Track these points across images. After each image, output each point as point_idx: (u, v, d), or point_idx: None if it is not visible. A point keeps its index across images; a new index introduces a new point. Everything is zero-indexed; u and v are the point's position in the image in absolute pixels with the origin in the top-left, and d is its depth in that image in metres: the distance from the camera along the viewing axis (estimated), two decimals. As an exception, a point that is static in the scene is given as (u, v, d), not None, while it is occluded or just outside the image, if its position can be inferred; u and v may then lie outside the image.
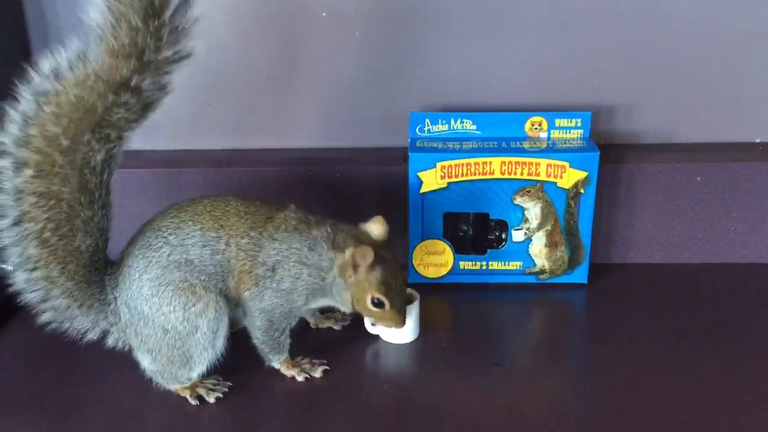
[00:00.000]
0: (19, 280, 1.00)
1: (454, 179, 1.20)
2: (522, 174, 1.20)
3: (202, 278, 1.01)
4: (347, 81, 1.28)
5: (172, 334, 1.01)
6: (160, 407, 1.03)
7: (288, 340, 1.07)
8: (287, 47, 1.26)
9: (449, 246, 1.25)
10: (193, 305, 1.00)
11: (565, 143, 1.22)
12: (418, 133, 1.23)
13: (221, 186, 1.27)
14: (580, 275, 1.27)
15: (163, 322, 1.00)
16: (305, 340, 1.14)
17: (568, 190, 1.21)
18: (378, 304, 1.04)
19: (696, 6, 1.22)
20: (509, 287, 1.27)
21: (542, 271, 1.26)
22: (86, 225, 1.01)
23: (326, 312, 1.16)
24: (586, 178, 1.20)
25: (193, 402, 1.03)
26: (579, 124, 1.23)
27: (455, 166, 1.20)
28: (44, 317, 1.03)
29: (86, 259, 1.02)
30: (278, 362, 1.07)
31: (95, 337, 1.06)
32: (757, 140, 1.32)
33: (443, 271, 1.27)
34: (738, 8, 1.23)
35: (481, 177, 1.20)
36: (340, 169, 1.28)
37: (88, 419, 1.01)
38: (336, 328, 1.16)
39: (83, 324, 1.05)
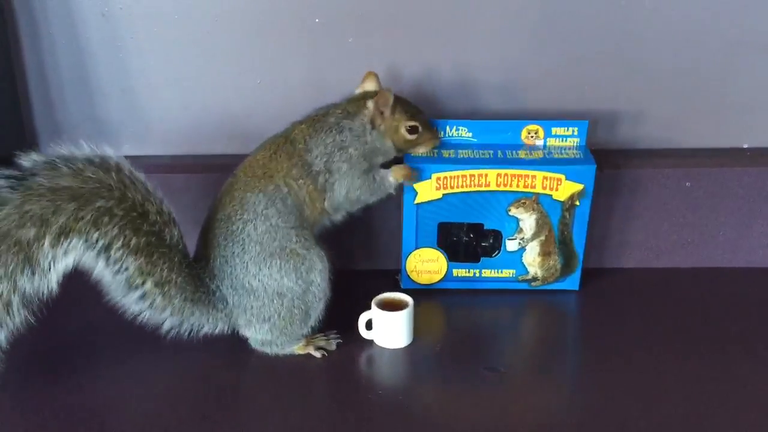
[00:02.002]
0: (132, 301, 1.05)
1: (449, 190, 1.20)
2: (518, 186, 1.19)
3: (294, 237, 1.09)
4: (340, 88, 1.28)
5: (289, 297, 1.10)
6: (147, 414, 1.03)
7: (380, 171, 1.17)
8: (279, 51, 1.27)
9: (443, 254, 1.26)
10: (302, 264, 1.09)
11: (561, 152, 1.21)
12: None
13: (215, 191, 1.27)
14: (572, 282, 1.27)
15: (277, 287, 1.09)
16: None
17: (563, 202, 1.21)
18: (412, 129, 1.16)
19: (686, 15, 1.24)
20: (502, 292, 1.27)
21: (535, 279, 1.27)
22: (161, 215, 1.05)
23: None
24: (582, 190, 1.20)
25: (318, 355, 1.12)
26: (576, 133, 1.23)
27: (451, 177, 1.19)
28: (166, 325, 1.08)
29: (182, 250, 1.08)
30: (392, 184, 1.17)
31: (210, 330, 1.11)
32: (745, 146, 1.33)
33: (436, 278, 1.27)
34: (727, 17, 1.24)
35: (476, 189, 1.20)
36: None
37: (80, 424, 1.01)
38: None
39: (199, 319, 1.10)
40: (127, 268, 1.03)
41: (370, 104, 1.14)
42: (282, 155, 1.12)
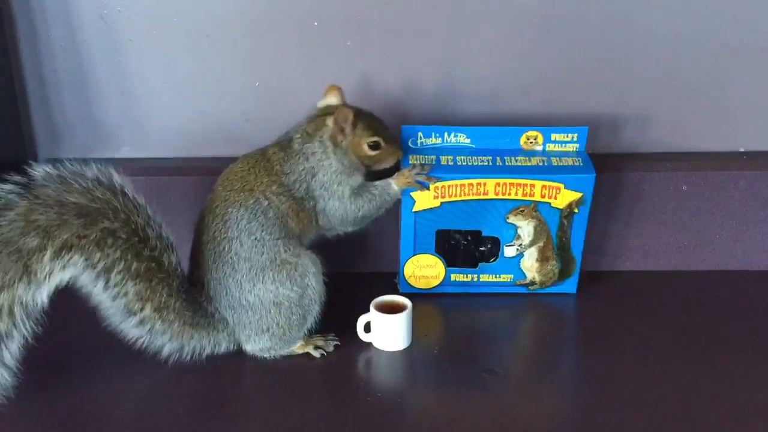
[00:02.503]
0: (131, 326, 1.05)
1: (447, 199, 1.20)
2: (516, 195, 1.19)
3: (282, 247, 1.09)
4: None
5: (286, 305, 1.10)
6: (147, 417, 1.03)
7: (367, 185, 1.16)
8: (278, 54, 1.27)
9: (441, 260, 1.26)
10: (295, 270, 1.10)
11: (560, 159, 1.21)
12: (410, 146, 1.22)
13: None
14: (569, 286, 1.28)
15: (273, 298, 1.10)
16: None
17: (562, 209, 1.21)
18: (374, 146, 1.13)
19: (684, 19, 1.24)
20: (500, 295, 1.28)
21: (532, 283, 1.27)
22: (161, 240, 1.05)
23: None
24: (580, 198, 1.20)
25: (317, 354, 1.13)
26: (575, 139, 1.22)
27: (449, 186, 1.18)
28: (165, 350, 1.08)
29: (180, 275, 1.08)
30: (395, 190, 1.17)
31: (213, 351, 1.11)
32: (741, 149, 1.34)
33: (434, 283, 1.28)
34: (724, 21, 1.24)
35: (475, 197, 1.19)
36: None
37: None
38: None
39: (199, 342, 1.10)
40: (126, 293, 1.03)
41: (329, 122, 1.12)
42: (260, 170, 1.12)
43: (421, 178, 1.16)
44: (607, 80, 1.28)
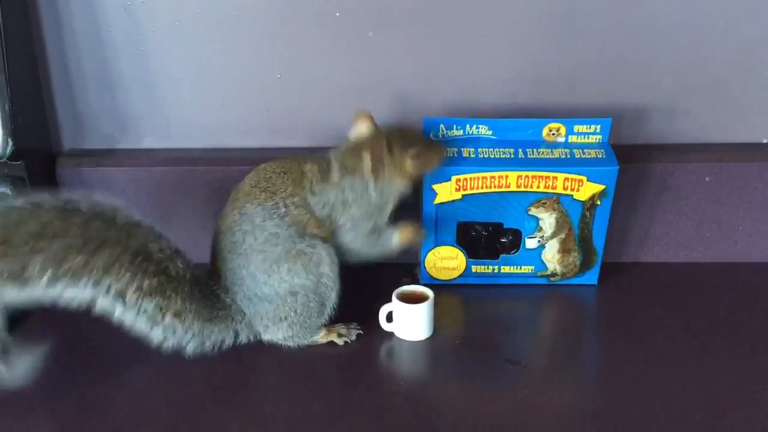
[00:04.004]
0: (158, 335, 1.06)
1: (468, 191, 1.19)
2: (538, 187, 1.19)
3: (297, 239, 1.09)
4: (359, 83, 1.29)
5: (302, 293, 1.11)
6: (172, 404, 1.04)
7: (387, 229, 1.16)
8: (300, 46, 1.27)
9: (462, 252, 1.26)
10: (311, 260, 1.10)
11: (583, 150, 1.20)
12: (432, 138, 1.22)
13: (234, 185, 1.28)
14: (591, 277, 1.28)
15: (289, 288, 1.10)
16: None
17: (584, 202, 1.20)
18: (417, 156, 1.12)
19: (705, 8, 1.23)
20: (521, 286, 1.28)
21: (554, 274, 1.27)
22: (163, 252, 1.06)
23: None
24: (603, 191, 1.19)
25: (340, 342, 1.14)
26: (598, 130, 1.21)
27: (470, 179, 1.18)
28: (188, 348, 1.09)
29: (190, 278, 1.09)
30: (395, 244, 1.17)
31: (233, 342, 1.12)
32: (765, 141, 1.33)
33: (455, 275, 1.28)
34: (746, 11, 1.23)
35: (496, 190, 1.19)
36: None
37: (106, 416, 1.01)
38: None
39: (219, 335, 1.11)
40: (146, 310, 1.04)
41: (367, 158, 1.11)
42: (289, 179, 1.11)
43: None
44: (631, 71, 1.27)
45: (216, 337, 1.11)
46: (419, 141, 1.15)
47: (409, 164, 1.13)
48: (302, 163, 1.13)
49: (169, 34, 1.26)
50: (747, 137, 1.32)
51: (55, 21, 1.26)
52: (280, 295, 1.10)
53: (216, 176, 1.29)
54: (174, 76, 1.29)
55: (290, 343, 1.14)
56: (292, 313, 1.11)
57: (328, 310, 1.14)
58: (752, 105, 1.30)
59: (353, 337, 1.15)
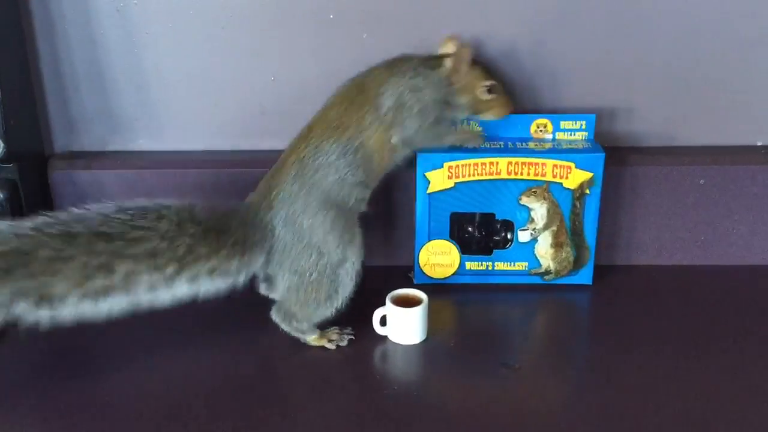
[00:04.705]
0: (208, 290, 1.06)
1: (461, 179, 1.21)
2: (528, 174, 1.21)
3: (354, 198, 1.12)
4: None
5: (325, 260, 1.11)
6: (165, 407, 1.03)
7: (448, 123, 1.19)
8: (293, 47, 1.27)
9: (455, 246, 1.26)
10: (348, 232, 1.12)
11: (570, 145, 1.23)
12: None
13: (228, 187, 1.27)
14: (585, 276, 1.28)
15: (321, 242, 1.10)
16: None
17: (573, 190, 1.22)
18: (490, 89, 1.17)
19: (699, 9, 1.24)
20: (515, 288, 1.28)
21: (547, 272, 1.27)
22: (172, 223, 1.04)
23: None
24: (591, 179, 1.21)
25: (332, 347, 1.13)
26: (584, 126, 1.24)
27: (462, 166, 1.20)
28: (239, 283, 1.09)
29: (213, 225, 1.06)
30: (454, 140, 1.20)
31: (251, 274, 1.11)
32: (759, 143, 1.33)
33: (449, 272, 1.28)
34: (740, 12, 1.24)
35: (488, 177, 1.21)
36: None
37: (97, 420, 1.01)
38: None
39: (257, 261, 1.10)
40: (202, 272, 1.05)
41: (448, 62, 1.15)
42: (354, 107, 1.12)
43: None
44: (624, 72, 1.28)
45: (254, 264, 1.10)
46: (500, 83, 1.18)
47: (480, 90, 1.17)
48: (362, 79, 1.15)
49: (163, 36, 1.26)
50: (741, 140, 1.32)
51: (47, 22, 1.25)
52: (311, 243, 1.10)
53: (210, 179, 1.29)
54: (167, 77, 1.29)
55: (285, 327, 1.13)
56: (307, 274, 1.10)
57: (338, 304, 1.13)
58: (746, 107, 1.30)
59: (344, 342, 1.14)
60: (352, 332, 1.16)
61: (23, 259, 0.96)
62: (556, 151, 1.21)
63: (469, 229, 1.28)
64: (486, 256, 1.27)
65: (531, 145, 1.23)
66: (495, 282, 1.28)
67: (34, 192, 1.28)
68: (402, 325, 1.14)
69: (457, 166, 1.21)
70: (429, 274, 1.28)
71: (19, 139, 1.24)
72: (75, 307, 0.98)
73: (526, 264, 1.27)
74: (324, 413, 1.01)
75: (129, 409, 1.02)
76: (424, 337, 1.16)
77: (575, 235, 1.25)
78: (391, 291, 1.17)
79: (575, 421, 0.99)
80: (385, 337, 1.16)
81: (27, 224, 0.98)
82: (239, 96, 1.30)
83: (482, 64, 1.19)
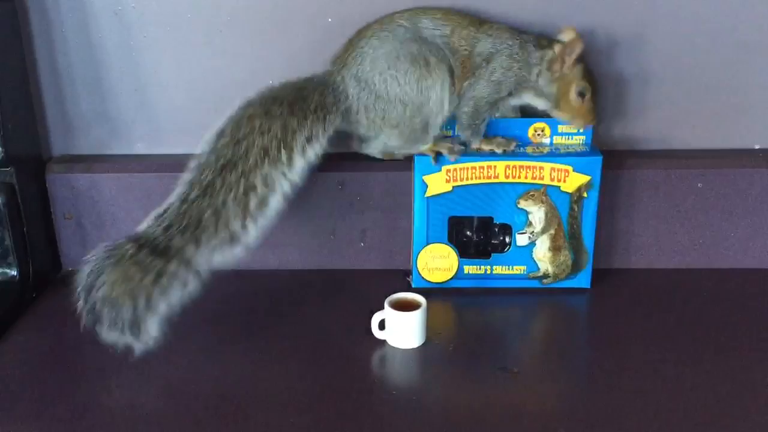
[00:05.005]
0: (312, 156, 1.15)
1: (459, 183, 1.21)
2: (526, 177, 1.21)
3: (434, 52, 1.14)
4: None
5: (410, 107, 1.16)
6: (163, 410, 1.03)
7: (485, 128, 1.20)
8: (291, 51, 1.27)
9: (454, 250, 1.26)
10: (425, 79, 1.14)
11: (567, 148, 1.23)
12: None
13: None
14: (583, 280, 1.28)
15: (400, 95, 1.15)
16: (306, 344, 1.15)
17: (571, 194, 1.22)
18: (581, 93, 1.16)
19: (696, 13, 1.24)
20: (513, 292, 1.28)
21: (546, 276, 1.27)
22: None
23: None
24: (589, 182, 1.21)
25: (446, 152, 1.19)
26: (581, 131, 1.24)
27: (460, 169, 1.21)
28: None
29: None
30: (477, 143, 1.21)
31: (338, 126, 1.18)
32: (757, 146, 1.33)
33: (448, 276, 1.28)
34: (738, 16, 1.24)
35: (486, 180, 1.21)
36: (345, 174, 1.29)
37: (95, 424, 1.01)
38: (498, 151, 1.20)
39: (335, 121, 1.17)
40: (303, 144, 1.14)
41: (558, 47, 1.15)
42: (467, 19, 1.16)
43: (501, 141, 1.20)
44: (620, 75, 1.27)
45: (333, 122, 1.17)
46: (596, 94, 1.18)
47: (572, 91, 1.16)
48: (482, 23, 1.18)
49: (160, 39, 1.26)
50: (739, 143, 1.32)
51: (45, 26, 1.25)
52: (390, 98, 1.15)
53: (207, 182, 1.28)
54: (165, 81, 1.29)
55: (393, 154, 1.22)
56: (402, 124, 1.17)
57: (434, 132, 1.19)
58: (744, 111, 1.30)
59: (453, 157, 1.19)
60: (462, 145, 1.21)
61: (202, 222, 1.09)
62: (554, 154, 1.21)
63: (468, 232, 1.28)
64: (484, 260, 1.27)
65: (529, 149, 1.23)
66: (493, 286, 1.28)
67: (31, 195, 1.28)
68: (401, 329, 1.14)
69: (455, 169, 1.21)
70: (427, 278, 1.28)
71: (16, 143, 1.24)
72: (253, 230, 1.12)
73: (525, 267, 1.27)
74: (322, 418, 1.01)
75: (125, 416, 1.02)
76: (422, 341, 1.16)
77: (573, 238, 1.25)
78: (389, 295, 1.17)
79: (574, 424, 0.99)
80: (383, 342, 1.16)
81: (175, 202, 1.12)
82: (237, 99, 1.29)
83: (588, 69, 1.18)
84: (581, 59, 1.16)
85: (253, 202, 1.11)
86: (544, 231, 1.24)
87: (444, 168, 1.20)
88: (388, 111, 1.16)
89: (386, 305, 1.15)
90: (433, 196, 1.22)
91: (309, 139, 1.14)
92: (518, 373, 1.09)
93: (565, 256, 1.26)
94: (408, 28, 1.15)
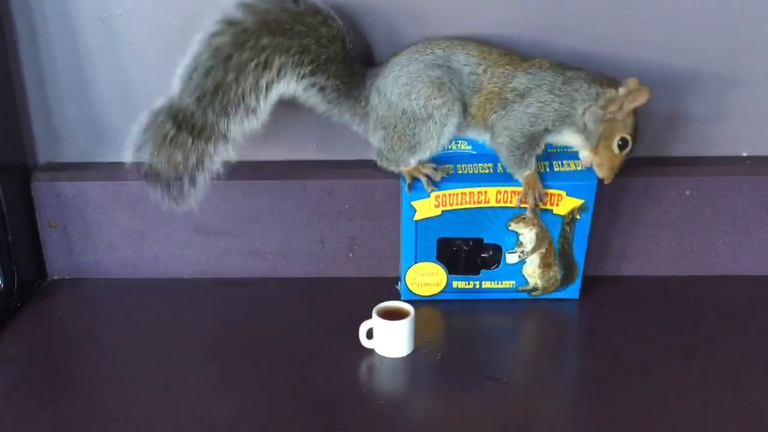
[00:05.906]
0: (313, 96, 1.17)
1: (448, 207, 1.20)
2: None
3: (455, 82, 1.15)
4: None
5: (408, 115, 1.16)
6: (148, 420, 1.02)
7: (533, 160, 1.17)
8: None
9: (442, 267, 1.25)
10: (434, 99, 1.14)
11: (561, 164, 1.21)
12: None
13: (214, 198, 1.26)
14: (572, 291, 1.27)
15: (405, 106, 1.16)
16: (295, 351, 1.14)
17: (564, 216, 1.21)
18: (622, 145, 1.13)
19: (685, 21, 1.24)
20: (502, 301, 1.27)
21: (535, 289, 1.27)
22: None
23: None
24: (582, 205, 1.20)
25: (424, 180, 1.18)
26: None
27: (450, 195, 1.19)
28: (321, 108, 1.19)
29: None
30: (522, 177, 1.17)
31: (354, 126, 1.21)
32: (744, 154, 1.34)
33: (436, 290, 1.27)
34: (727, 24, 1.24)
35: (476, 205, 1.19)
36: (333, 182, 1.28)
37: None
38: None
39: (346, 111, 1.19)
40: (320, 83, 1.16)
41: (622, 90, 1.11)
42: (508, 58, 1.16)
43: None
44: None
45: (343, 110, 1.19)
46: (634, 147, 1.15)
47: (615, 138, 1.13)
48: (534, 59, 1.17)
49: (147, 47, 1.25)
50: (727, 151, 1.33)
51: (31, 32, 1.24)
52: (396, 106, 1.16)
53: (195, 190, 1.27)
54: (152, 88, 1.27)
55: (382, 163, 1.21)
56: (391, 127, 1.17)
57: (420, 156, 1.18)
58: (732, 118, 1.30)
59: (438, 179, 1.18)
60: (448, 170, 1.20)
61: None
62: (547, 177, 1.19)
63: (458, 242, 1.26)
64: (473, 276, 1.26)
65: None
66: (482, 298, 1.27)
67: (16, 203, 1.27)
68: (389, 337, 1.14)
69: (444, 195, 1.19)
70: (416, 292, 1.27)
71: (1, 150, 1.23)
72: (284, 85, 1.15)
73: (514, 282, 1.27)
74: (310, 428, 1.00)
75: (108, 427, 1.01)
76: (410, 350, 1.15)
77: (564, 256, 1.24)
78: (377, 303, 1.16)
79: (563, 433, 0.99)
80: (371, 350, 1.15)
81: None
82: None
83: (638, 123, 1.14)
84: (635, 113, 1.14)
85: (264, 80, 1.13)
86: (534, 251, 1.24)
87: (433, 194, 1.18)
88: (388, 111, 1.16)
89: (374, 314, 1.14)
90: (421, 219, 1.21)
91: (323, 89, 1.16)
92: (507, 382, 1.09)
93: (555, 272, 1.25)
94: (439, 56, 1.15)
